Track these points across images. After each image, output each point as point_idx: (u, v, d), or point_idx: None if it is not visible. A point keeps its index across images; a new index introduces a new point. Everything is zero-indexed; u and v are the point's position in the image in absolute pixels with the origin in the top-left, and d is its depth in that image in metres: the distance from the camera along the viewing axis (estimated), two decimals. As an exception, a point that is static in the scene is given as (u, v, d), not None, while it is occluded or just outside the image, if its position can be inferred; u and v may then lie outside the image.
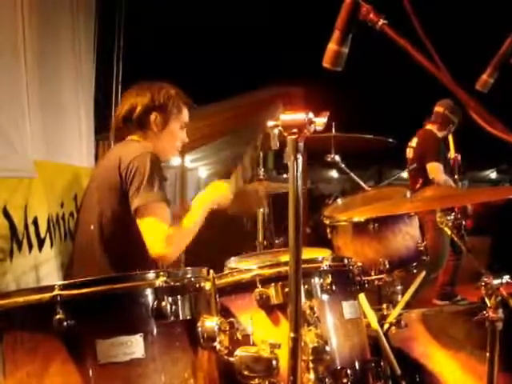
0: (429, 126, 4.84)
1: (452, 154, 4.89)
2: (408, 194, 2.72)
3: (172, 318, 1.35)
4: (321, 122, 1.28)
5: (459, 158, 4.89)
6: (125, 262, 2.14)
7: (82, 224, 2.30)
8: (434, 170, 4.56)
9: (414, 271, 2.56)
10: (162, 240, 2.04)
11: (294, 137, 1.25)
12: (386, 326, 2.22)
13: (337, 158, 3.56)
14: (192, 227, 2.20)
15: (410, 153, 4.87)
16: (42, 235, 2.64)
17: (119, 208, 2.15)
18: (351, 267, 1.90)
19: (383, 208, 2.32)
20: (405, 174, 5.00)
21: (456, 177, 4.64)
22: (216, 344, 1.41)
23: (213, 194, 2.33)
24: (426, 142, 4.77)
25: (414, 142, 4.86)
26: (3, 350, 1.35)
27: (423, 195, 2.14)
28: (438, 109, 4.81)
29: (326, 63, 1.38)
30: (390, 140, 3.90)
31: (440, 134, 4.78)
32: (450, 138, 4.85)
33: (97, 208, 2.20)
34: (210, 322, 1.41)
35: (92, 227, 2.19)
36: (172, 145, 2.43)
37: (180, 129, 2.42)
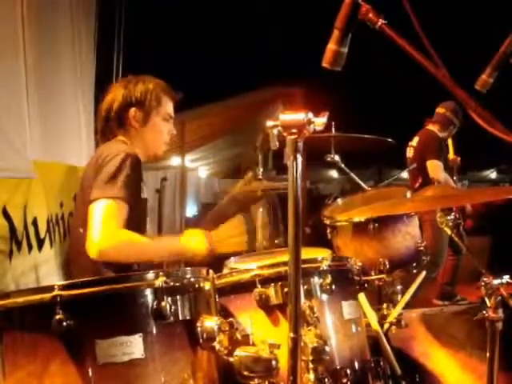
0: (430, 126, 4.87)
1: (451, 155, 4.91)
2: (408, 194, 2.72)
3: (171, 318, 1.35)
4: (320, 121, 1.28)
5: (459, 159, 4.92)
6: (117, 263, 2.06)
7: (72, 227, 2.28)
8: (434, 167, 4.59)
9: (414, 271, 2.56)
10: (102, 233, 1.91)
11: (293, 137, 1.25)
12: (386, 325, 2.22)
13: (336, 157, 3.56)
14: (145, 246, 2.05)
15: (410, 152, 4.90)
16: (42, 235, 2.64)
17: None
18: (351, 267, 1.90)
19: (383, 208, 2.31)
20: (405, 174, 5.01)
21: (455, 178, 4.67)
22: (215, 344, 1.41)
23: (188, 245, 2.13)
24: (427, 140, 4.80)
25: (414, 141, 4.89)
26: (3, 351, 1.36)
27: (423, 195, 2.14)
28: (440, 110, 4.84)
29: (326, 63, 1.38)
30: (390, 140, 3.91)
31: (441, 135, 4.81)
32: (450, 140, 4.88)
33: (83, 210, 2.13)
34: (209, 322, 1.41)
35: (81, 230, 2.12)
36: (158, 139, 2.35)
37: (164, 121, 2.34)
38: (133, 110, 2.27)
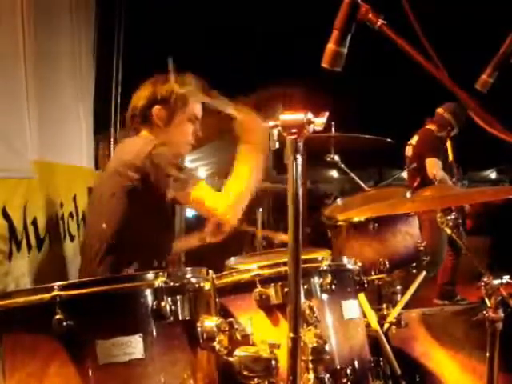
0: (429, 126, 4.90)
1: (450, 158, 4.93)
2: (408, 194, 2.72)
3: (171, 319, 1.35)
4: (320, 122, 1.28)
5: (455, 165, 4.94)
6: (133, 260, 2.11)
7: (91, 222, 2.29)
8: (433, 165, 4.61)
9: (414, 271, 2.56)
10: (222, 205, 2.05)
11: (293, 137, 1.25)
12: (386, 325, 2.22)
13: (336, 157, 3.56)
14: (244, 180, 2.11)
15: (409, 151, 4.92)
16: (42, 236, 2.64)
17: (131, 207, 2.10)
18: (351, 267, 1.90)
19: (383, 208, 2.31)
20: (404, 174, 5.03)
21: (454, 179, 4.68)
22: (215, 344, 1.41)
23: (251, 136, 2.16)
24: (425, 139, 4.84)
25: (414, 139, 4.93)
26: (2, 351, 1.35)
27: (423, 195, 2.14)
28: (439, 110, 4.90)
29: (325, 63, 1.38)
30: (389, 140, 3.91)
31: (438, 134, 4.84)
32: (449, 144, 4.90)
33: (107, 206, 2.16)
34: (209, 323, 1.41)
35: (104, 226, 2.15)
36: (182, 139, 2.34)
37: (189, 122, 2.33)
38: (157, 108, 2.26)
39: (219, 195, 2.08)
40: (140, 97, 2.29)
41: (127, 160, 2.13)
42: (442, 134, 4.86)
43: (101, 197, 2.24)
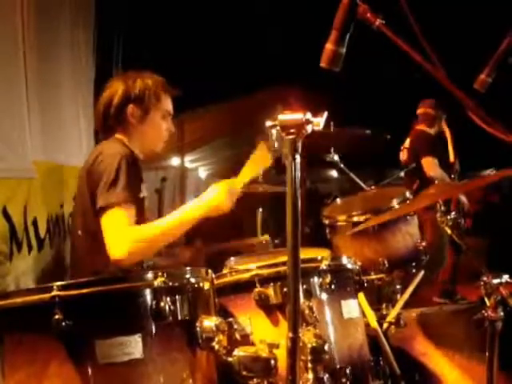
0: (418, 127, 4.89)
1: (451, 158, 4.91)
2: (408, 194, 2.72)
3: (170, 319, 1.35)
4: (319, 122, 1.28)
5: (456, 164, 4.92)
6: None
7: (72, 230, 2.29)
8: (429, 164, 4.59)
9: (414, 271, 2.56)
10: (116, 242, 1.93)
11: (291, 137, 1.25)
12: (386, 325, 2.22)
13: (336, 157, 3.56)
14: (164, 228, 2.04)
15: (403, 155, 4.91)
16: (42, 236, 2.65)
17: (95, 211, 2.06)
18: (350, 267, 1.90)
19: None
20: (403, 175, 5.02)
21: (453, 177, 4.67)
22: (214, 344, 1.41)
23: (210, 201, 2.10)
24: (418, 139, 4.83)
25: (406, 143, 4.92)
26: (2, 351, 1.36)
27: (428, 193, 2.14)
28: (420, 110, 4.91)
29: (324, 63, 1.38)
30: (388, 137, 3.92)
31: (432, 131, 4.82)
32: (449, 144, 4.88)
33: (80, 212, 2.15)
34: (208, 322, 1.41)
35: (79, 232, 2.14)
36: (156, 136, 2.32)
37: (162, 118, 2.31)
38: (131, 107, 2.24)
39: (116, 237, 1.94)
40: (112, 95, 2.24)
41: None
42: (434, 130, 4.84)
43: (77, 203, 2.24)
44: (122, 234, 1.95)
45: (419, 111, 4.90)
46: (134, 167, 2.12)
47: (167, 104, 2.33)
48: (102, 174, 2.04)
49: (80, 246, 2.17)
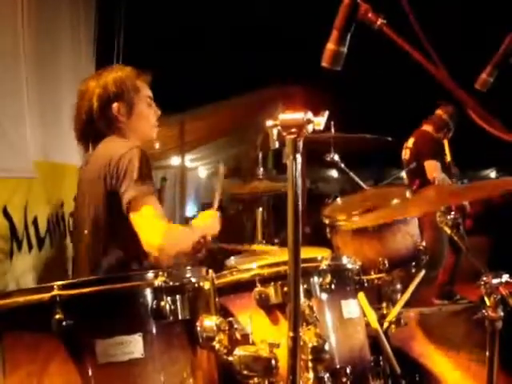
0: (425, 127, 4.90)
1: (448, 158, 4.92)
2: (408, 194, 2.72)
3: (171, 318, 1.36)
4: (319, 121, 1.28)
5: (453, 164, 4.93)
6: (121, 266, 2.06)
7: (76, 230, 2.26)
8: (432, 167, 4.60)
9: (413, 270, 2.56)
10: (159, 232, 1.96)
11: (292, 136, 1.25)
12: (386, 324, 2.22)
13: (336, 157, 3.56)
14: (190, 233, 2.15)
15: (406, 154, 4.91)
16: (42, 235, 2.65)
17: (111, 210, 2.05)
18: (350, 266, 1.90)
19: (385, 214, 2.30)
20: (404, 174, 5.02)
21: (453, 179, 4.68)
22: (215, 343, 1.41)
23: (203, 224, 2.24)
24: (422, 141, 4.83)
25: (410, 142, 4.91)
26: (3, 350, 1.36)
27: (426, 194, 2.14)
28: (438, 112, 4.89)
29: (325, 63, 1.38)
30: (389, 139, 3.91)
31: (435, 135, 4.83)
32: (446, 145, 4.89)
33: (88, 212, 2.12)
34: (209, 322, 1.41)
35: (86, 232, 2.12)
36: (147, 125, 2.30)
37: (147, 106, 2.29)
38: (115, 105, 2.20)
39: (157, 227, 1.98)
40: (90, 99, 2.20)
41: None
42: (438, 135, 4.85)
43: (80, 204, 2.23)
44: (163, 225, 1.99)
45: (437, 112, 4.90)
46: (148, 159, 2.12)
47: (146, 90, 2.31)
48: (125, 172, 2.02)
49: (89, 246, 2.15)
